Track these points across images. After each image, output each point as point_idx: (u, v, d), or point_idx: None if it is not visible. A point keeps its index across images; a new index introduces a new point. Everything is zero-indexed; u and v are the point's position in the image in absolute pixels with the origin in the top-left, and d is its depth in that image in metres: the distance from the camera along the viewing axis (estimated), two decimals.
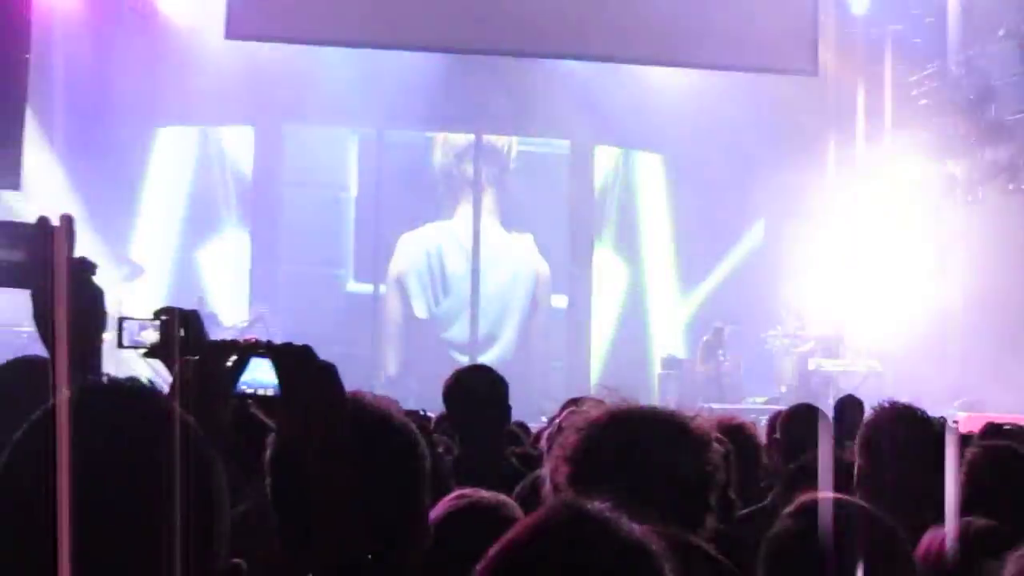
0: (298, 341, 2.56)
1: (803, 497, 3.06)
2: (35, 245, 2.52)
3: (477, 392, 5.82)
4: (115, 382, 2.00)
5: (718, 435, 5.31)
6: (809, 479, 4.52)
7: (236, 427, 2.57)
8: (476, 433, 5.74)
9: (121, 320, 2.80)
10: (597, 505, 1.98)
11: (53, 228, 2.48)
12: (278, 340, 2.56)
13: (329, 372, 2.51)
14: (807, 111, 23.19)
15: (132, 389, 1.96)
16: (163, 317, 2.79)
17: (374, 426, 2.65)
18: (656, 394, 21.29)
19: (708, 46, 19.25)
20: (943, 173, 23.24)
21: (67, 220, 2.49)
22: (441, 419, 7.23)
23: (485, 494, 3.45)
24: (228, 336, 2.67)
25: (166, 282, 22.36)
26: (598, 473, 2.87)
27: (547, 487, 3.07)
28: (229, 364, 2.53)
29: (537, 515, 2.00)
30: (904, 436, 4.26)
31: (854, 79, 22.94)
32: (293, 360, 2.51)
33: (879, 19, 21.86)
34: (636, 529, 1.94)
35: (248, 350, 2.53)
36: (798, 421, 6.66)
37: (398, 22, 19.07)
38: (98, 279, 2.68)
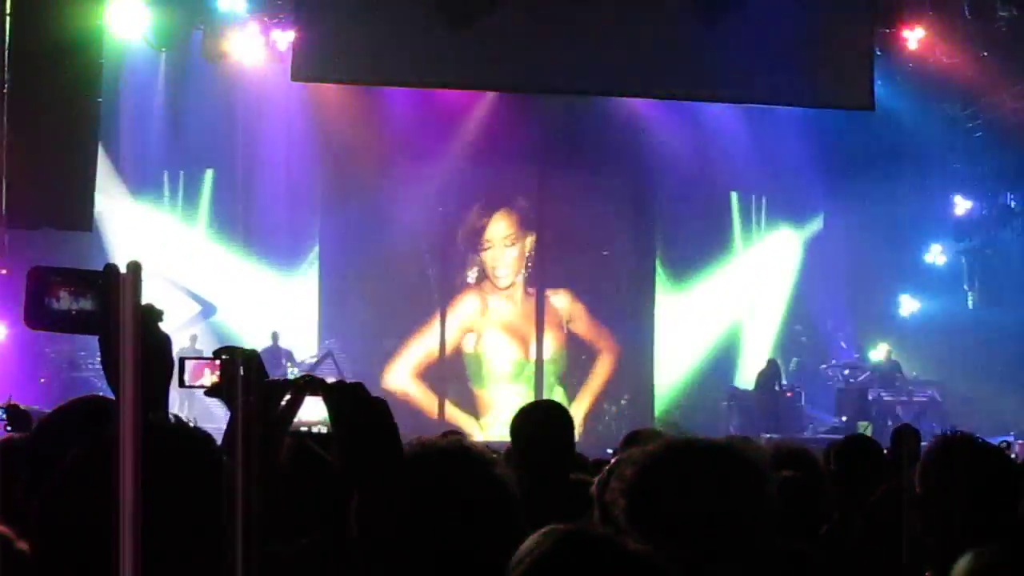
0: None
1: None
2: (103, 292, 2.57)
3: (543, 426, 5.86)
4: (154, 423, 2.06)
5: (779, 464, 5.38)
6: (885, 510, 4.56)
7: (295, 463, 2.61)
8: (543, 467, 5.76)
9: (183, 360, 2.86)
10: (597, 530, 2.01)
11: (120, 275, 2.53)
12: (349, 376, 2.61)
13: (380, 408, 2.56)
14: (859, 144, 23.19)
15: (169, 429, 2.02)
16: (223, 356, 2.84)
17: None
18: (718, 426, 21.25)
19: (765, 82, 19.22)
20: (998, 204, 23.18)
21: (134, 267, 2.54)
22: (508, 454, 7.23)
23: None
24: (297, 372, 2.73)
25: (240, 319, 22.58)
26: (655, 505, 2.88)
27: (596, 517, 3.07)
28: (283, 403, 2.59)
29: (534, 540, 2.02)
30: (963, 466, 4.25)
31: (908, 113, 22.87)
32: (344, 398, 2.56)
33: (934, 52, 21.73)
34: (641, 548, 1.96)
35: (301, 390, 2.59)
36: (852, 452, 6.67)
37: (460, 62, 19.17)
38: (168, 320, 2.72)
